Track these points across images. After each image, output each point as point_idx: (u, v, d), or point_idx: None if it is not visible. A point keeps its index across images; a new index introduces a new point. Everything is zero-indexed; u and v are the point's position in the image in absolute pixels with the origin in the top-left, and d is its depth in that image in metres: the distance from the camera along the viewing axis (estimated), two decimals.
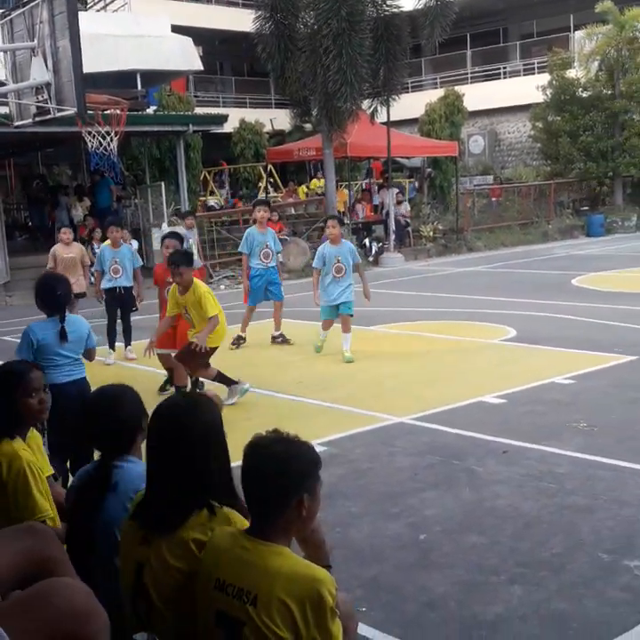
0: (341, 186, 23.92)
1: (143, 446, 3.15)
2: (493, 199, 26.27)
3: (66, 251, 10.96)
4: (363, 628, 3.42)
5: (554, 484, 5.34)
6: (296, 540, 2.55)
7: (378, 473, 5.76)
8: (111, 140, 12.61)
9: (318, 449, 6.16)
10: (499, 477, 5.50)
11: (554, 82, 26.61)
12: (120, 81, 19.04)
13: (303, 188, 26.35)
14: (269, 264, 10.68)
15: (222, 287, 18.30)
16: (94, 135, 12.35)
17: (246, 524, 2.53)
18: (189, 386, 7.92)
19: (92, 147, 12.40)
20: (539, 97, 27.07)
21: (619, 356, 8.77)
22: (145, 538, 2.60)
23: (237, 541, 2.41)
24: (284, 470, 2.37)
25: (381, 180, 25.56)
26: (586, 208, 27.41)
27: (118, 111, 13.00)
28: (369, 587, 4.10)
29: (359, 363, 9.25)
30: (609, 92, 26.06)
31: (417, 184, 27.90)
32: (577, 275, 15.85)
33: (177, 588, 2.50)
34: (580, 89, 26.46)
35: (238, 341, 10.58)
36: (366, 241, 21.61)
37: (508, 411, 7.11)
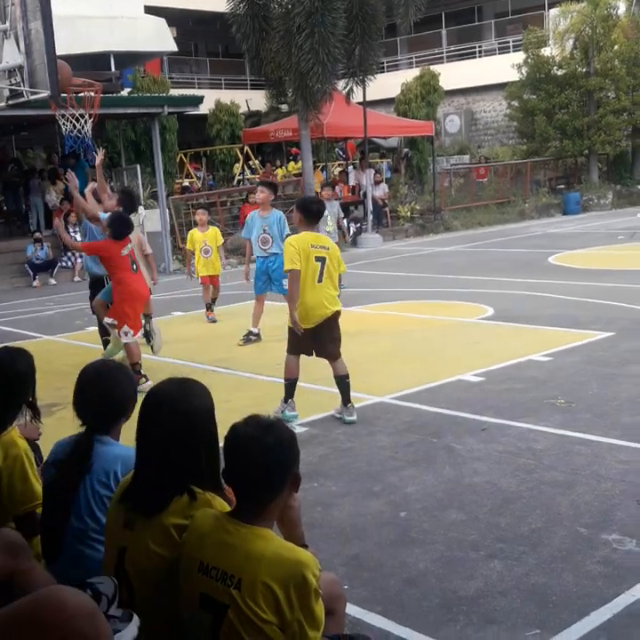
0: (318, 167, 23.84)
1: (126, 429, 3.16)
2: (478, 180, 26.22)
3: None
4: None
5: (532, 460, 5.40)
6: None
7: (358, 452, 5.80)
8: (85, 123, 12.47)
9: (299, 429, 6.23)
10: (478, 454, 5.55)
11: (529, 60, 26.64)
12: (93, 63, 18.85)
13: (282, 171, 26.25)
14: (269, 250, 9.67)
15: None
16: (68, 118, 12.20)
17: (228, 508, 2.54)
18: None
19: (66, 130, 12.25)
20: (514, 75, 27.10)
21: (595, 333, 8.85)
22: (127, 522, 2.61)
23: (220, 524, 2.42)
24: (277, 458, 2.40)
25: (357, 161, 25.52)
26: (562, 186, 27.54)
27: (92, 93, 12.84)
28: (351, 565, 4.14)
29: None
30: (584, 69, 26.13)
31: (394, 164, 27.88)
32: (554, 253, 15.95)
33: (157, 572, 2.51)
34: (555, 67, 26.50)
35: (248, 337, 9.66)
36: (344, 222, 21.58)
37: (487, 388, 7.16)
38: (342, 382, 6.54)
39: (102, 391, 3.07)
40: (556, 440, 5.74)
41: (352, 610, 3.58)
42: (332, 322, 6.51)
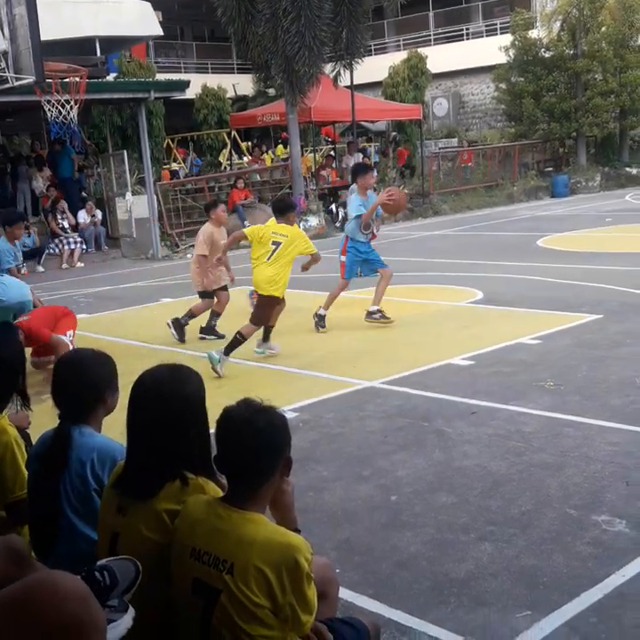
0: (307, 151, 23.79)
1: (111, 418, 3.15)
2: (464, 164, 26.19)
3: (221, 235, 9.34)
4: None
5: (522, 442, 5.42)
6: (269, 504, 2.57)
7: (349, 437, 5.81)
8: (71, 109, 12.38)
9: (289, 415, 6.22)
10: (468, 438, 5.57)
11: (516, 42, 26.59)
12: (79, 48, 18.68)
13: (270, 155, 26.17)
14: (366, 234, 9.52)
15: (189, 256, 18.16)
16: (53, 104, 12.10)
17: (220, 493, 2.55)
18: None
19: (52, 116, 12.16)
20: (502, 58, 27.04)
21: (584, 316, 8.88)
22: (120, 507, 2.62)
23: (212, 509, 2.43)
24: (269, 442, 2.41)
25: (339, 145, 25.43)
26: (550, 169, 27.55)
27: (77, 79, 12.73)
28: (342, 548, 4.16)
29: (328, 329, 9.27)
30: (571, 51, 26.08)
31: (382, 148, 27.82)
32: (542, 236, 15.97)
33: (150, 558, 2.51)
34: (543, 49, 26.46)
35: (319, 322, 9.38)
36: (333, 206, 21.55)
37: (476, 372, 7.18)
38: (236, 336, 7.75)
39: (74, 379, 3.04)
40: (546, 422, 5.77)
41: (344, 593, 3.59)
42: (263, 300, 7.90)
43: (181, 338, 9.11)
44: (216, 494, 2.54)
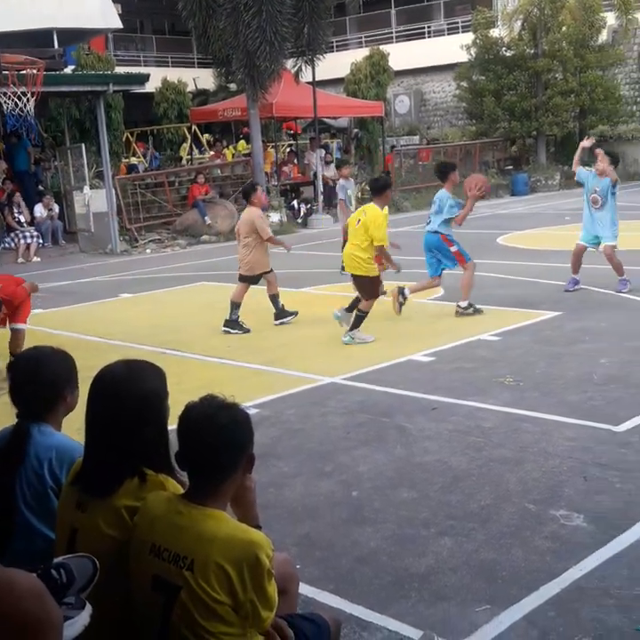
0: (269, 147, 23.70)
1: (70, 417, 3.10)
2: (420, 162, 26.30)
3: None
4: None
5: (481, 438, 5.45)
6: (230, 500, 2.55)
7: (310, 433, 5.80)
8: (28, 101, 12.20)
9: (250, 411, 6.18)
10: (428, 433, 5.60)
11: (477, 41, 26.74)
12: (36, 40, 18.40)
13: (231, 150, 26.02)
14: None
15: (148, 251, 18.03)
16: (9, 96, 11.92)
17: (181, 490, 2.52)
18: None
19: (8, 108, 11.97)
20: (463, 56, 27.19)
21: (543, 313, 8.97)
22: (79, 503, 2.58)
23: (172, 506, 2.41)
24: (232, 438, 2.39)
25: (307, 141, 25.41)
26: (510, 167, 27.79)
27: (34, 71, 12.55)
28: (303, 544, 4.15)
29: (289, 325, 9.25)
30: (532, 51, 26.31)
31: (344, 145, 27.83)
32: (502, 233, 16.11)
33: (108, 555, 2.48)
34: (504, 48, 26.65)
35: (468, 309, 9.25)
36: (294, 202, 21.52)
37: (437, 368, 7.22)
38: (357, 314, 8.31)
39: (31, 376, 2.97)
40: (505, 418, 5.81)
41: (304, 589, 3.58)
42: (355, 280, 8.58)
43: (245, 330, 9.06)
44: (176, 491, 2.51)
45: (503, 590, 3.61)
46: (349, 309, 8.57)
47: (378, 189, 8.49)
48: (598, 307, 9.19)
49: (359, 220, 8.30)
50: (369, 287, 8.35)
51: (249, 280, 9.30)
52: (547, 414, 5.83)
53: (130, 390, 2.58)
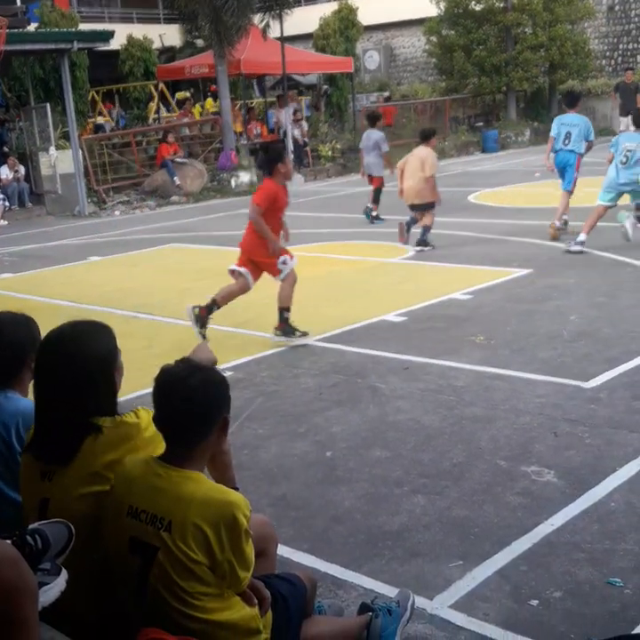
0: (237, 105, 23.38)
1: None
2: (386, 125, 25.97)
3: None
4: None
5: (453, 396, 5.51)
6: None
7: (284, 394, 5.82)
8: None
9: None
10: (401, 393, 5.64)
11: None
12: None
13: (198, 108, 25.66)
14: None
15: (117, 213, 17.81)
16: None
17: (143, 428, 2.51)
18: None
19: None
20: (433, 11, 26.88)
21: (514, 271, 9.02)
22: (44, 473, 2.55)
23: (150, 468, 2.41)
24: (207, 400, 2.39)
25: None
26: (480, 124, 27.68)
27: None
28: (278, 505, 4.19)
29: (261, 287, 9.20)
30: (501, 4, 26.06)
31: (313, 102, 27.54)
32: (473, 191, 16.10)
33: (83, 519, 2.47)
34: (473, 2, 26.36)
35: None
36: None
37: (409, 328, 7.25)
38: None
39: None
40: (476, 376, 5.87)
41: (280, 549, 3.60)
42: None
43: (429, 245, 10.65)
44: (148, 425, 2.50)
45: (476, 546, 3.68)
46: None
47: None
48: (569, 264, 9.25)
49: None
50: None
51: (425, 208, 10.78)
52: (518, 372, 5.90)
53: (76, 352, 2.53)
